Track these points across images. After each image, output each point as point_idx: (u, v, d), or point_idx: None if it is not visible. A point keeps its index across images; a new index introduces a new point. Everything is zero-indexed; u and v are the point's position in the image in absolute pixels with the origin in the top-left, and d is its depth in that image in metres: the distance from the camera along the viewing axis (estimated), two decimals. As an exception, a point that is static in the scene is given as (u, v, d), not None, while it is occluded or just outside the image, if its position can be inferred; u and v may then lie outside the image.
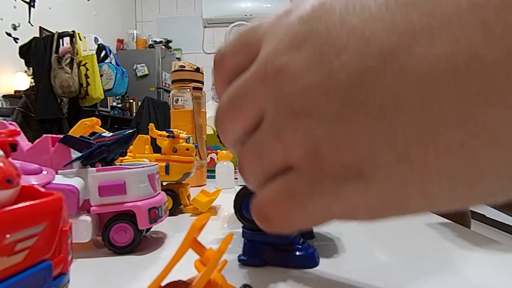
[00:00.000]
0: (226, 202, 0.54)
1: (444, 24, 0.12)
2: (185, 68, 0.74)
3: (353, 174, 0.14)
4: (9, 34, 2.99)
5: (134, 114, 3.28)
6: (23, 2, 3.16)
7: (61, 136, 0.30)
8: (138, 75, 4.24)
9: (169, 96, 0.79)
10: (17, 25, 3.07)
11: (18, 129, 0.24)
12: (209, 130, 1.02)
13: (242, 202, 0.27)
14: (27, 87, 2.70)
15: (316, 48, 0.14)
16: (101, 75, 2.36)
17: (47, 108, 2.17)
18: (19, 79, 2.92)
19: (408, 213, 0.14)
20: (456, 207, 0.14)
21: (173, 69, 0.75)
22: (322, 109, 0.14)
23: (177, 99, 0.74)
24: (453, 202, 0.14)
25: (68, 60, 2.18)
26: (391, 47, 0.13)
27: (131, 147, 0.47)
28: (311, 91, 0.14)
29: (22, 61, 2.34)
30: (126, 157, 0.45)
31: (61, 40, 2.28)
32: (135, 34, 4.80)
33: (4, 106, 2.75)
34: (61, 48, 2.25)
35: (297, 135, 0.15)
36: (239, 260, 0.26)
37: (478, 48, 0.11)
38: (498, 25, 0.11)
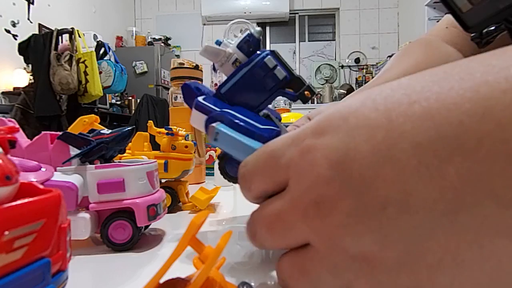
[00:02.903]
0: (224, 199, 0.54)
1: None
2: (184, 66, 0.74)
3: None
4: (8, 31, 2.98)
5: (133, 111, 3.27)
6: (22, -1, 3.15)
7: (60, 133, 0.30)
8: (137, 72, 4.23)
9: (168, 93, 0.79)
10: (16, 22, 3.06)
11: (17, 126, 0.24)
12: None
13: (226, 162, 0.29)
14: (26, 84, 2.69)
15: (359, 199, 0.14)
16: (100, 72, 2.36)
17: (46, 105, 2.16)
18: (18, 76, 2.91)
19: None
20: None
21: (172, 66, 0.75)
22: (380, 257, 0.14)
23: (176, 96, 0.74)
24: None
25: (67, 57, 2.17)
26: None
27: (130, 144, 0.47)
28: (364, 240, 0.14)
29: (21, 58, 2.33)
30: (125, 154, 0.45)
31: (60, 37, 2.27)
32: (134, 31, 4.78)
33: (3, 103, 2.74)
34: (60, 45, 2.24)
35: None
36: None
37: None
38: None
